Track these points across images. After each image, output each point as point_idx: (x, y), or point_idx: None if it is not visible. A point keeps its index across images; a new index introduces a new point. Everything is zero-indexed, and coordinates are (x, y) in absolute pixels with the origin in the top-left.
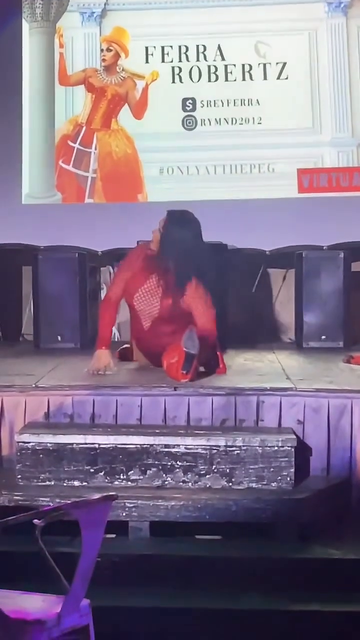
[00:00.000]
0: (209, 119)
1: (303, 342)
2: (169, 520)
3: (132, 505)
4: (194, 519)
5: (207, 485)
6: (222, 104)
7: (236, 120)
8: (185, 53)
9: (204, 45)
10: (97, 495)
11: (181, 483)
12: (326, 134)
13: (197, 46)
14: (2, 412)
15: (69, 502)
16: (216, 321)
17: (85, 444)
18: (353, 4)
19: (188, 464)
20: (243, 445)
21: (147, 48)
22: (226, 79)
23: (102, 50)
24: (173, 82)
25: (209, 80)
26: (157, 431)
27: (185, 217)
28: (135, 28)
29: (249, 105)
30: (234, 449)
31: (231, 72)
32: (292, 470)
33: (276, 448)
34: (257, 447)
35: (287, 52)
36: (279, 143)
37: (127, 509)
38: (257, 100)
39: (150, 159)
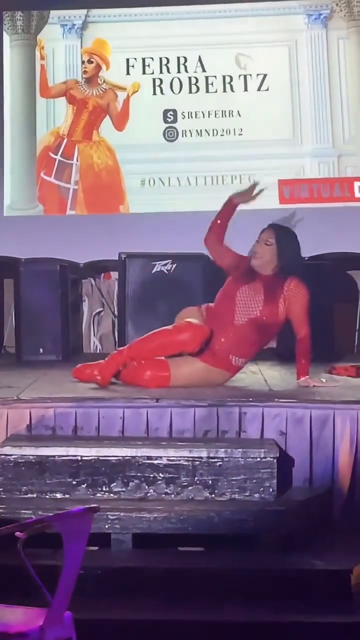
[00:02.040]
0: (190, 130)
1: (284, 353)
2: (151, 532)
3: (114, 517)
4: (176, 530)
5: (190, 497)
6: (203, 115)
7: (217, 132)
8: (166, 65)
9: (184, 57)
10: (79, 508)
11: (163, 495)
12: (307, 145)
13: (178, 58)
14: None
15: (51, 514)
16: None
17: (68, 456)
18: (332, 15)
19: (170, 475)
20: (225, 457)
21: (128, 60)
22: (207, 91)
23: (83, 62)
24: (154, 93)
25: (190, 92)
26: (139, 443)
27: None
28: (116, 40)
29: (229, 116)
30: (216, 460)
31: (212, 84)
32: (275, 481)
33: (258, 459)
34: (240, 459)
35: (268, 63)
36: (260, 154)
37: (109, 521)
38: (238, 111)
39: (131, 170)
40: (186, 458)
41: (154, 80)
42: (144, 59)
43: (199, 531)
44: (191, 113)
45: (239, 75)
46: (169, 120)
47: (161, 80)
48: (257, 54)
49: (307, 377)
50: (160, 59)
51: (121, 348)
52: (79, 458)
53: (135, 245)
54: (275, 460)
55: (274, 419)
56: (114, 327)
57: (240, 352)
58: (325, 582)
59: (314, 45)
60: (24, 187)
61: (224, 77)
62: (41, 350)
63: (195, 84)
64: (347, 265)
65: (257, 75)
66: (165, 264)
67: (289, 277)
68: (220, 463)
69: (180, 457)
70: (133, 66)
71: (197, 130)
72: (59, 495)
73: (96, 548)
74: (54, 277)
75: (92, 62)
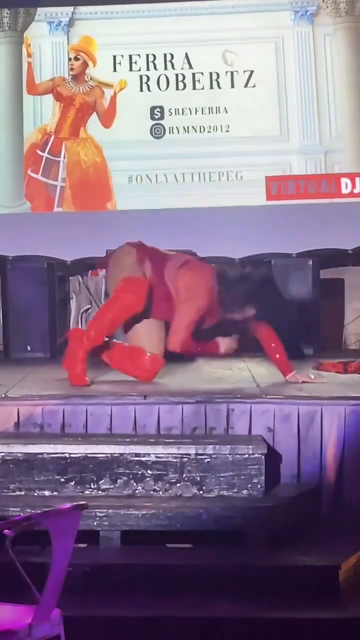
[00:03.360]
0: (177, 127)
1: None
2: (139, 529)
3: (102, 514)
4: (164, 527)
5: (178, 494)
6: (190, 112)
7: (204, 128)
8: (152, 62)
9: (171, 54)
10: (67, 505)
11: (152, 492)
12: (294, 141)
13: (165, 55)
14: None
15: (39, 511)
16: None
17: (56, 453)
18: (319, 12)
19: (158, 472)
20: (213, 453)
21: (114, 57)
22: (194, 87)
23: (70, 59)
24: (141, 90)
25: (177, 89)
26: (127, 440)
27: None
28: (103, 37)
29: (216, 113)
30: (204, 457)
31: (199, 81)
32: (263, 477)
33: (246, 456)
34: (228, 455)
35: (255, 60)
36: (247, 151)
37: (97, 518)
38: (225, 108)
39: (119, 167)
40: (174, 455)
41: (140, 77)
42: (130, 56)
43: (188, 528)
44: (178, 110)
45: (226, 72)
46: (156, 117)
47: (148, 77)
48: (244, 50)
49: (294, 372)
50: (147, 56)
51: (80, 337)
52: (67, 455)
53: (122, 242)
54: (263, 457)
55: (261, 415)
56: None
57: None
58: (314, 578)
59: (301, 41)
60: (11, 184)
61: (210, 74)
62: (29, 347)
63: (182, 81)
64: (334, 261)
65: (244, 71)
66: None
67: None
68: (209, 460)
69: (168, 454)
70: (120, 63)
71: (184, 127)
72: (47, 493)
73: (84, 545)
74: (41, 274)
75: (79, 60)
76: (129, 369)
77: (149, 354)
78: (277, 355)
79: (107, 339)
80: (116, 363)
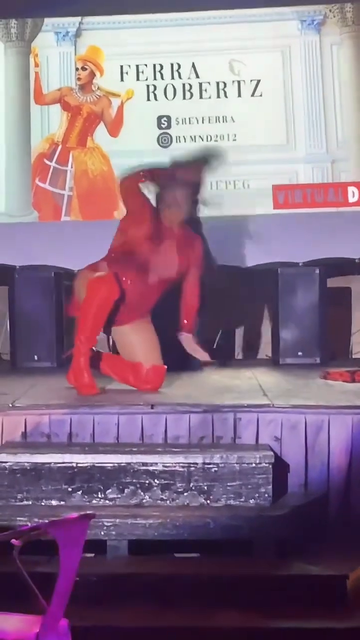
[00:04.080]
0: (184, 136)
1: (280, 359)
2: (147, 538)
3: (110, 523)
4: (172, 536)
5: (185, 503)
6: (197, 121)
7: (211, 137)
8: (159, 71)
9: (178, 64)
10: (74, 514)
11: (159, 501)
12: (301, 150)
13: (172, 64)
14: None
15: (46, 521)
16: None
17: (63, 463)
18: (326, 21)
19: (166, 481)
20: (220, 463)
21: (122, 67)
22: (201, 97)
23: (77, 69)
24: (148, 100)
25: (184, 98)
26: (134, 449)
27: None
28: (110, 47)
29: (223, 122)
30: (211, 466)
31: (206, 90)
32: (270, 487)
33: (254, 465)
34: (235, 464)
35: (261, 69)
36: (254, 160)
37: (105, 527)
38: (232, 117)
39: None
40: (181, 464)
41: (147, 86)
42: (137, 66)
43: (195, 537)
44: (185, 119)
45: (233, 81)
46: (163, 126)
47: (155, 87)
48: (251, 60)
49: (192, 336)
50: (154, 65)
51: (75, 346)
52: (74, 465)
53: None
54: (270, 466)
55: (268, 424)
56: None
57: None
58: (321, 587)
59: (308, 51)
60: (19, 194)
61: (217, 83)
62: (36, 357)
63: (189, 90)
64: (341, 270)
65: (251, 81)
66: None
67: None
68: (216, 469)
69: (175, 463)
70: (127, 73)
71: (191, 136)
72: (54, 502)
73: (92, 555)
74: (48, 284)
75: (86, 69)
76: (134, 383)
77: (148, 367)
78: (185, 320)
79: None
80: (121, 378)
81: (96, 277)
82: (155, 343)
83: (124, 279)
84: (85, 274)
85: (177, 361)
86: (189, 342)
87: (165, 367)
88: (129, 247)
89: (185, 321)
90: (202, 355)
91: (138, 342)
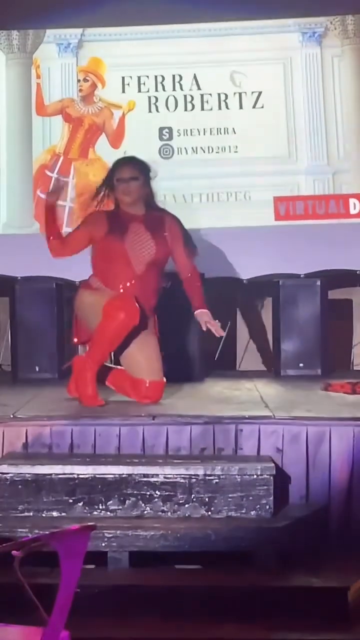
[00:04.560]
0: (185, 148)
1: (281, 370)
2: (148, 550)
3: (111, 535)
4: (173, 548)
5: (186, 515)
6: (199, 132)
7: (213, 149)
8: (161, 83)
9: (180, 75)
10: (76, 526)
11: (160, 512)
12: (302, 162)
13: (174, 76)
14: None
15: (47, 532)
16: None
17: (64, 474)
18: (327, 33)
19: (167, 493)
20: (222, 474)
21: (123, 78)
22: (202, 108)
23: (78, 80)
24: (150, 111)
25: (186, 110)
26: (135, 461)
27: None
28: (111, 58)
29: (225, 134)
30: (212, 477)
31: (207, 102)
32: (271, 498)
33: (255, 476)
34: (236, 476)
35: (263, 81)
36: (255, 171)
37: (106, 539)
38: (233, 129)
39: None
40: (183, 475)
41: (149, 98)
42: (139, 77)
43: (196, 549)
44: (186, 131)
45: (234, 93)
46: (165, 137)
47: (156, 98)
48: (252, 71)
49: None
50: (156, 77)
51: (86, 361)
52: (76, 476)
53: None
54: (271, 478)
55: (270, 436)
56: None
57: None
58: (323, 599)
59: (309, 63)
60: (20, 205)
61: (219, 94)
62: (37, 368)
63: (190, 102)
64: (342, 282)
65: (252, 92)
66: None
67: (160, 211)
68: (217, 480)
69: (176, 474)
70: (128, 84)
71: (192, 148)
72: (55, 514)
73: (93, 566)
74: (49, 295)
75: (87, 81)
76: (133, 396)
77: (148, 383)
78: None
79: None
80: (120, 389)
81: (116, 302)
82: (157, 358)
83: (106, 269)
84: (87, 296)
85: (179, 372)
86: (203, 316)
87: (164, 381)
88: (105, 252)
89: (195, 298)
90: (217, 329)
91: (141, 358)
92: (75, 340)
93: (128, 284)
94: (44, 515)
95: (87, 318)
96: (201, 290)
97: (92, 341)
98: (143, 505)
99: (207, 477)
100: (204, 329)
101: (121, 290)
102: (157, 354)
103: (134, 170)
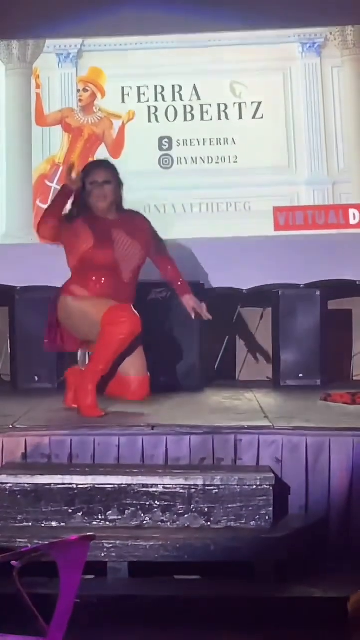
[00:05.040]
0: (185, 158)
1: (280, 381)
2: (147, 560)
3: (110, 545)
4: (172, 558)
5: (186, 525)
6: (199, 142)
7: (212, 159)
8: (161, 93)
9: (179, 85)
10: (75, 536)
11: (160, 523)
12: (302, 172)
13: (173, 86)
14: None
15: (47, 543)
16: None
17: (63, 484)
18: (327, 44)
19: (166, 503)
20: (221, 484)
21: (123, 88)
22: (202, 119)
23: (78, 90)
24: (149, 121)
25: (185, 120)
26: (135, 471)
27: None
28: (111, 69)
29: (224, 144)
30: (212, 488)
31: (207, 112)
32: (271, 509)
33: (254, 487)
34: (236, 486)
35: (263, 91)
36: (255, 181)
37: (105, 549)
38: (233, 139)
39: (127, 198)
40: (182, 486)
41: (149, 108)
42: (139, 88)
43: (195, 559)
44: (186, 141)
45: (234, 103)
46: (164, 147)
47: (156, 108)
48: (252, 82)
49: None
50: (156, 87)
51: (88, 372)
52: (75, 486)
53: None
54: (271, 488)
55: (269, 446)
56: None
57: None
58: (322, 610)
59: (309, 73)
60: (20, 215)
61: (219, 105)
62: (36, 378)
63: (190, 112)
64: (342, 292)
65: (252, 103)
66: (160, 292)
67: (127, 213)
68: (216, 491)
69: (176, 484)
70: (128, 94)
71: (192, 158)
72: (54, 524)
73: (92, 577)
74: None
75: (87, 91)
76: (121, 394)
77: (134, 380)
78: (179, 283)
79: None
80: (111, 391)
81: (117, 312)
82: (141, 355)
83: (94, 278)
84: (72, 304)
85: (178, 382)
86: (190, 301)
87: (148, 375)
88: (93, 263)
89: (179, 284)
90: (204, 313)
91: (126, 357)
92: (48, 344)
93: (119, 294)
94: (43, 525)
95: (74, 325)
96: (181, 276)
97: (95, 352)
98: (142, 515)
99: (207, 488)
100: (192, 315)
101: (111, 300)
102: (141, 352)
103: (106, 173)
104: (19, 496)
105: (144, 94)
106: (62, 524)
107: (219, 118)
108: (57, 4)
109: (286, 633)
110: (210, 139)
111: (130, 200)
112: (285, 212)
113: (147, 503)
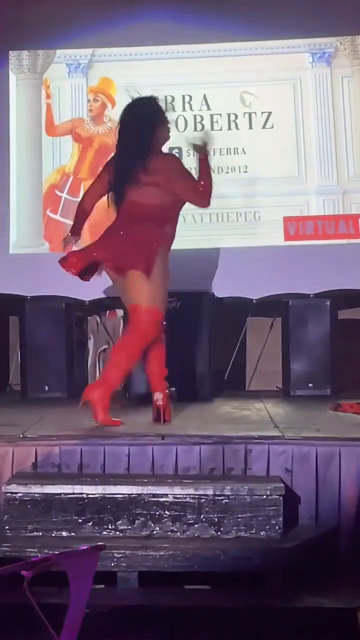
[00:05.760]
0: (195, 168)
1: (290, 390)
2: (157, 570)
3: (120, 555)
4: (182, 568)
5: (196, 535)
6: (208, 152)
7: (222, 169)
8: (171, 103)
9: (189, 95)
10: (85, 546)
11: (169, 532)
12: (312, 182)
13: (183, 96)
14: None
15: (57, 552)
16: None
17: (73, 494)
18: (336, 54)
19: (176, 513)
20: (231, 494)
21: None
22: (212, 129)
23: (88, 100)
24: None
25: (195, 130)
26: (145, 480)
27: None
28: (121, 78)
29: (234, 154)
30: (222, 498)
31: (217, 122)
32: (281, 519)
33: (264, 497)
34: (246, 496)
35: (273, 101)
36: (265, 191)
37: (115, 559)
38: (243, 149)
39: None
40: (192, 496)
41: None
42: None
43: (205, 569)
44: None
45: (244, 114)
46: None
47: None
48: (262, 92)
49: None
50: (166, 97)
51: (98, 388)
52: (85, 496)
53: None
54: (281, 498)
55: (279, 456)
56: None
57: None
58: (332, 620)
59: (319, 83)
60: (30, 224)
61: (228, 115)
62: (46, 387)
63: (200, 122)
64: (352, 302)
65: (262, 113)
66: (171, 302)
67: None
68: (226, 501)
69: (186, 494)
70: None
71: None
72: (64, 534)
73: (102, 586)
74: (59, 314)
75: (97, 101)
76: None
77: (145, 307)
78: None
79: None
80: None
81: (149, 315)
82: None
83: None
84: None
85: (188, 392)
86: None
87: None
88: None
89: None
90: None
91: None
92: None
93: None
94: (53, 535)
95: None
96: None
97: (111, 359)
98: (152, 525)
99: (217, 498)
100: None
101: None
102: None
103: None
104: (29, 506)
105: None
106: (72, 534)
107: (229, 128)
108: (68, 14)
109: None
110: (220, 149)
111: None
112: (296, 221)
113: (157, 513)
